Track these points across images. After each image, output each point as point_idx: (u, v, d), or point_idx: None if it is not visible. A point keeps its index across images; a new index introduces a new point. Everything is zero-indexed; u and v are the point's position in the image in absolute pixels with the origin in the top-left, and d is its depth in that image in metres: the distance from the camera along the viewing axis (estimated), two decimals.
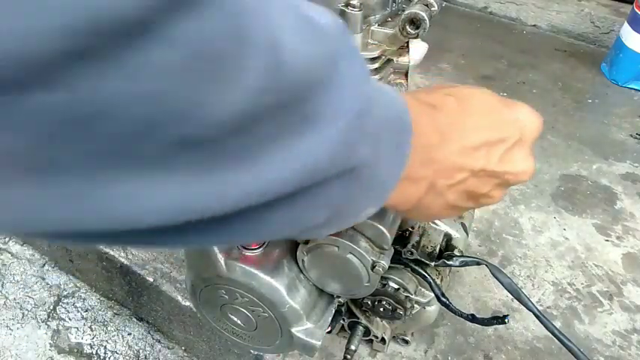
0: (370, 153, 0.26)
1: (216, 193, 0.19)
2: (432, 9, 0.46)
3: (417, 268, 0.60)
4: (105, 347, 1.02)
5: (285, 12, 0.19)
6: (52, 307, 1.08)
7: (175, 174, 0.17)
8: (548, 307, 0.91)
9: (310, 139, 0.21)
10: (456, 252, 0.61)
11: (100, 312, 1.08)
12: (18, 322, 1.05)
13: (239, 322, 0.63)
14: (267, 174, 0.20)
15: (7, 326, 1.04)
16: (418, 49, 0.53)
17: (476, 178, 0.37)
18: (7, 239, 1.21)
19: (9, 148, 0.14)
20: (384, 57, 0.51)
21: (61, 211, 0.17)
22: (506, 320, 0.58)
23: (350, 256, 0.53)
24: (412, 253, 0.59)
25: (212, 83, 0.16)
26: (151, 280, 0.94)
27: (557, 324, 0.86)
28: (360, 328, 0.69)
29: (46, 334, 1.04)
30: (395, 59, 0.53)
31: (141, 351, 1.02)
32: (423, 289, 0.64)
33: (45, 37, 0.12)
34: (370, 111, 0.25)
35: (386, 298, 0.62)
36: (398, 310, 0.63)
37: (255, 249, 0.57)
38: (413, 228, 0.61)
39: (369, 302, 0.64)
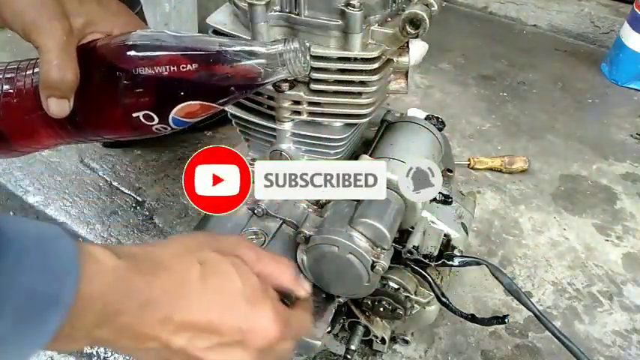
0: None
1: None
2: (432, 9, 0.46)
3: (417, 268, 0.60)
4: (105, 347, 1.02)
5: None
6: None
7: None
8: (548, 307, 0.91)
9: None
10: (456, 252, 0.61)
11: None
12: None
13: None
14: None
15: None
16: (418, 49, 0.53)
17: (174, 354, 0.37)
18: None
19: None
20: (384, 57, 0.51)
21: None
22: (506, 320, 0.58)
23: (350, 256, 0.53)
24: (412, 253, 0.59)
25: None
26: None
27: (557, 324, 0.86)
28: (360, 328, 0.69)
29: None
30: (395, 59, 0.53)
31: None
32: (423, 289, 0.64)
33: None
34: None
35: (386, 298, 0.62)
36: (398, 310, 0.63)
37: None
38: (413, 228, 0.61)
39: (369, 302, 0.64)
